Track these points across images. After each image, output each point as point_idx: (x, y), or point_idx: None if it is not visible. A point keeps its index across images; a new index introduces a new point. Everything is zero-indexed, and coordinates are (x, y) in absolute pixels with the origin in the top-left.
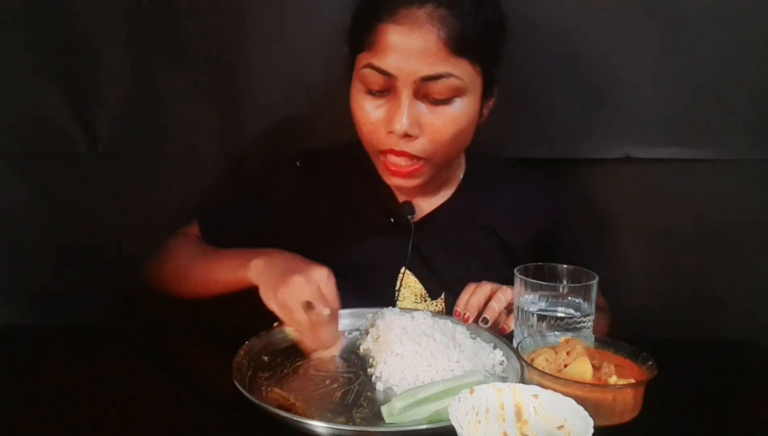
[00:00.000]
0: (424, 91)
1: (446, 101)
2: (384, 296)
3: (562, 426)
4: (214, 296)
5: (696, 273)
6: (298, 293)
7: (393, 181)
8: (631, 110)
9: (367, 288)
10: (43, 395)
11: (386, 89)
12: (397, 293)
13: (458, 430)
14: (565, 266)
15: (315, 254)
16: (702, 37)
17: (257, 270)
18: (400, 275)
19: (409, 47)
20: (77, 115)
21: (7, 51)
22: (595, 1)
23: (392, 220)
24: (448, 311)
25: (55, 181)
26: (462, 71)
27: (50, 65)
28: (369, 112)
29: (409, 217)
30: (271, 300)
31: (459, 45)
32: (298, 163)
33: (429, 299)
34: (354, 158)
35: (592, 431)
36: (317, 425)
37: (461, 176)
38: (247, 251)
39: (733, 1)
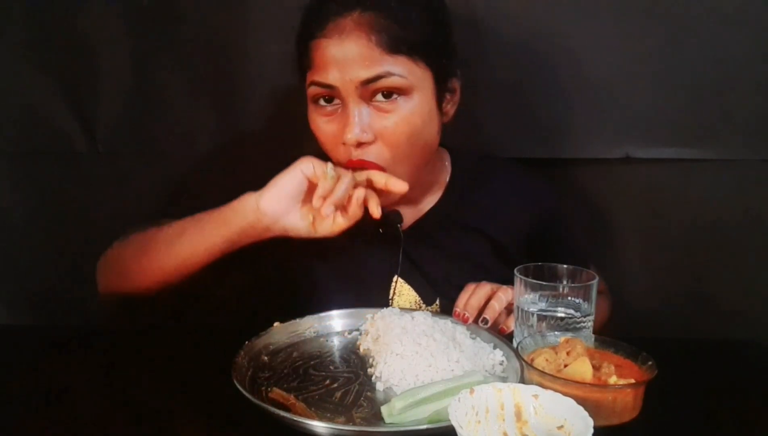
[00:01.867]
0: (369, 95)
1: (392, 101)
2: (378, 307)
3: (562, 426)
4: (189, 271)
5: (696, 273)
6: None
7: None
8: (631, 110)
9: (361, 300)
10: (42, 395)
11: (334, 103)
12: (390, 301)
13: (458, 430)
14: (565, 266)
15: (306, 270)
16: (702, 37)
17: (254, 197)
18: (393, 284)
19: (343, 56)
20: (77, 115)
21: (7, 51)
22: (596, 1)
23: (381, 230)
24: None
25: (55, 181)
26: (402, 69)
27: (50, 65)
28: (324, 128)
29: (398, 225)
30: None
31: (392, 44)
32: None
33: (424, 306)
34: None
35: (592, 431)
36: (317, 425)
37: (447, 179)
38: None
39: (733, 1)
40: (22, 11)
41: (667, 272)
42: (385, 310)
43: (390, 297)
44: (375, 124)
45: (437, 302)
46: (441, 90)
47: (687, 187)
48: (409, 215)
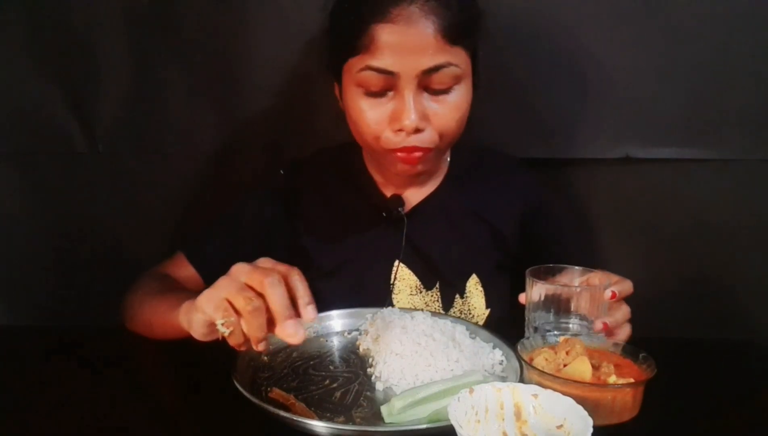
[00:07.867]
0: (426, 83)
1: (447, 90)
2: (379, 291)
3: (561, 426)
4: (161, 338)
5: (696, 273)
6: (219, 288)
7: (400, 170)
8: (631, 110)
9: (362, 284)
10: (42, 396)
11: (387, 88)
12: (392, 286)
13: (458, 429)
14: (576, 267)
15: (310, 257)
16: (702, 37)
17: (186, 307)
18: (394, 269)
19: (408, 44)
20: (77, 115)
21: (7, 51)
22: (596, 1)
23: (384, 214)
24: (444, 301)
25: (55, 181)
26: (459, 59)
27: (50, 65)
28: (372, 114)
29: (399, 209)
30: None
31: (453, 34)
32: (281, 171)
33: (424, 290)
34: (336, 160)
35: (591, 430)
36: (317, 424)
37: (447, 166)
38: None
39: (733, 1)
40: (22, 11)
41: (666, 272)
42: (384, 310)
43: (391, 282)
44: (429, 111)
45: (437, 285)
46: (476, 79)
47: (687, 187)
48: (410, 200)
